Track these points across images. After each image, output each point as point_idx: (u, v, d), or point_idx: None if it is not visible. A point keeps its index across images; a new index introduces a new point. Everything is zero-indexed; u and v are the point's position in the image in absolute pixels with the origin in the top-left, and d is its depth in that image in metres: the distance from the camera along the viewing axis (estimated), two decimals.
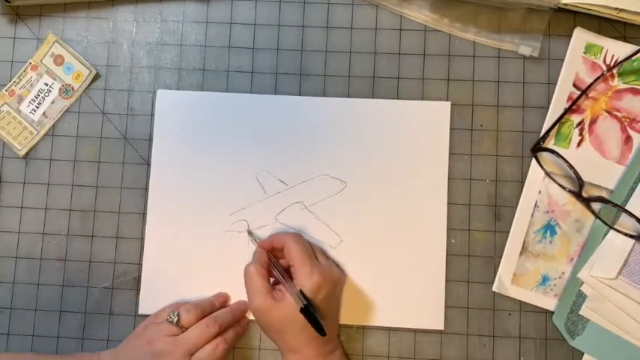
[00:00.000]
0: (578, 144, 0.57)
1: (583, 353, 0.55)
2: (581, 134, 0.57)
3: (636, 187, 0.54)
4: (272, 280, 0.55)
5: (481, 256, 0.57)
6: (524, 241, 0.57)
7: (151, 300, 0.57)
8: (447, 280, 0.57)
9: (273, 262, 0.54)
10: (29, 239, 0.59)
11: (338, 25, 0.59)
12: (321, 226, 0.57)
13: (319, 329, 0.50)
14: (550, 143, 0.57)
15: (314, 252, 0.54)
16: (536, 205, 0.57)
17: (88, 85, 0.59)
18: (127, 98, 0.59)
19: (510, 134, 0.58)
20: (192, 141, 0.59)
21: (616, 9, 0.54)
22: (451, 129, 0.58)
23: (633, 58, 0.57)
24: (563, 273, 0.56)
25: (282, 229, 0.57)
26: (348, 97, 0.59)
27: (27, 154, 0.59)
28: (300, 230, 0.58)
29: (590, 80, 0.57)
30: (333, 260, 0.57)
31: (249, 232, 0.57)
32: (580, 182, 0.55)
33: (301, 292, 0.50)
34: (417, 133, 0.58)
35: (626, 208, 0.54)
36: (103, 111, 0.59)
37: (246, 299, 0.56)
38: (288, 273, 0.54)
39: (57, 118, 0.59)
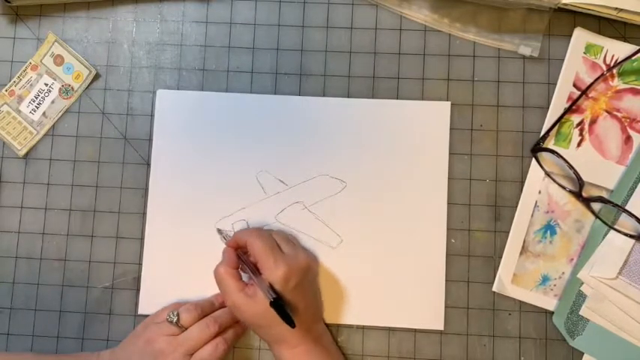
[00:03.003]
0: (578, 144, 0.57)
1: (583, 353, 0.55)
2: (581, 134, 0.57)
3: (636, 187, 0.54)
4: (246, 276, 0.54)
5: (481, 256, 0.57)
6: (524, 241, 0.57)
7: (151, 300, 0.57)
8: (447, 280, 0.57)
9: (242, 260, 0.53)
10: (29, 239, 0.59)
11: (338, 25, 0.59)
12: (321, 226, 0.57)
13: (289, 322, 0.49)
14: (550, 143, 0.57)
15: (277, 243, 0.53)
16: (536, 205, 0.57)
17: (88, 85, 0.59)
18: (127, 98, 0.60)
19: (510, 134, 0.58)
20: (192, 141, 0.59)
21: (616, 9, 0.54)
22: (451, 129, 0.58)
23: (633, 58, 0.57)
24: (563, 273, 0.56)
25: (282, 229, 0.57)
26: (348, 97, 0.59)
27: (27, 154, 0.59)
28: (300, 230, 0.58)
29: (590, 80, 0.57)
30: (301, 246, 0.56)
31: (219, 231, 0.57)
32: (580, 182, 0.55)
33: (271, 285, 0.50)
34: (417, 133, 0.58)
35: (626, 208, 0.54)
36: (103, 111, 0.59)
37: None
38: (257, 268, 0.53)
39: (57, 118, 0.59)
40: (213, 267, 0.57)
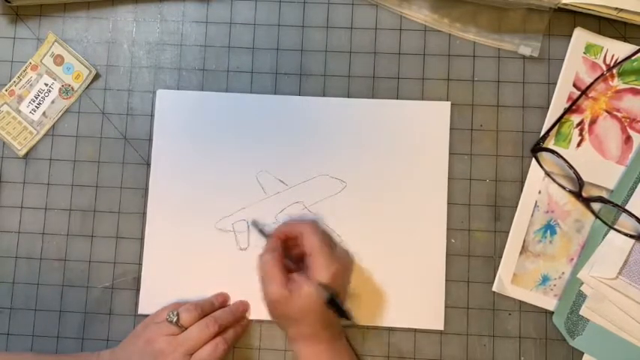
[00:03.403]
0: (578, 144, 0.57)
1: (583, 353, 0.55)
2: (581, 134, 0.57)
3: (636, 187, 0.54)
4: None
5: (481, 256, 0.57)
6: (524, 241, 0.57)
7: (151, 300, 0.57)
8: (447, 280, 0.57)
9: (287, 253, 0.54)
10: (29, 239, 0.59)
11: (338, 25, 0.59)
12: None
13: (346, 316, 0.50)
14: (550, 143, 0.57)
15: (331, 240, 0.54)
16: (536, 205, 0.57)
17: (88, 85, 0.59)
18: (127, 98, 0.60)
19: (510, 134, 0.58)
20: (192, 141, 0.59)
21: (616, 9, 0.54)
22: (451, 129, 0.58)
23: (633, 58, 0.57)
24: (563, 273, 0.56)
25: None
26: (348, 97, 0.59)
27: (27, 154, 0.59)
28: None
29: (590, 80, 0.57)
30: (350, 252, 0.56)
31: (255, 223, 0.56)
32: (580, 182, 0.55)
33: (320, 283, 0.50)
34: (417, 133, 0.58)
35: (626, 208, 0.54)
36: (103, 111, 0.60)
37: (247, 300, 0.57)
38: (301, 261, 0.53)
39: (57, 118, 0.59)
40: (213, 267, 0.57)
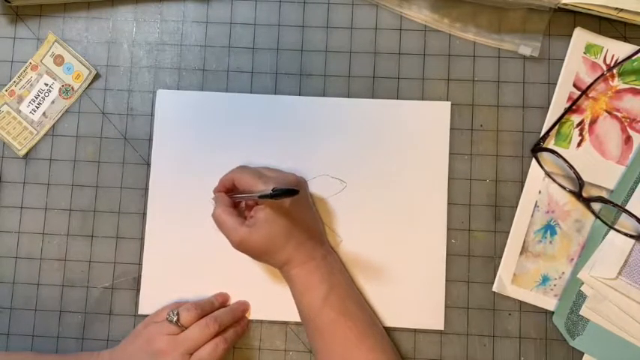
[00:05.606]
0: (579, 144, 0.57)
1: (583, 353, 0.55)
2: (581, 134, 0.57)
3: (636, 187, 0.54)
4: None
5: (481, 256, 0.57)
6: (524, 241, 0.57)
7: (151, 300, 0.57)
8: (447, 280, 0.57)
9: (233, 197, 0.54)
10: (29, 239, 0.59)
11: (338, 25, 0.59)
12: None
13: (291, 191, 0.47)
14: (550, 143, 0.57)
15: (260, 171, 0.54)
16: (536, 205, 0.57)
17: (88, 85, 0.60)
18: (127, 98, 0.60)
19: (510, 134, 0.58)
20: (192, 141, 0.59)
21: (616, 9, 0.54)
22: (451, 129, 0.58)
23: (633, 58, 0.57)
24: (563, 273, 0.56)
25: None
26: (348, 97, 0.59)
27: (27, 154, 0.59)
28: None
29: (590, 80, 0.57)
30: (286, 172, 0.56)
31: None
32: (580, 182, 0.55)
33: (257, 192, 0.50)
34: (417, 133, 0.58)
35: (626, 208, 0.54)
36: (103, 111, 0.60)
37: (247, 300, 0.57)
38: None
39: (57, 118, 0.59)
40: (214, 267, 0.57)
